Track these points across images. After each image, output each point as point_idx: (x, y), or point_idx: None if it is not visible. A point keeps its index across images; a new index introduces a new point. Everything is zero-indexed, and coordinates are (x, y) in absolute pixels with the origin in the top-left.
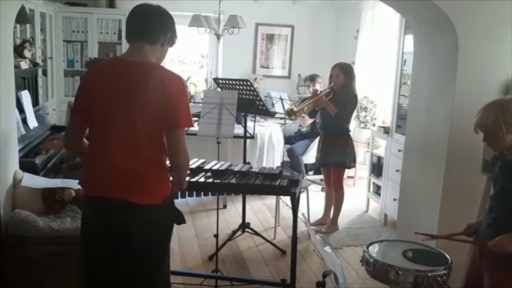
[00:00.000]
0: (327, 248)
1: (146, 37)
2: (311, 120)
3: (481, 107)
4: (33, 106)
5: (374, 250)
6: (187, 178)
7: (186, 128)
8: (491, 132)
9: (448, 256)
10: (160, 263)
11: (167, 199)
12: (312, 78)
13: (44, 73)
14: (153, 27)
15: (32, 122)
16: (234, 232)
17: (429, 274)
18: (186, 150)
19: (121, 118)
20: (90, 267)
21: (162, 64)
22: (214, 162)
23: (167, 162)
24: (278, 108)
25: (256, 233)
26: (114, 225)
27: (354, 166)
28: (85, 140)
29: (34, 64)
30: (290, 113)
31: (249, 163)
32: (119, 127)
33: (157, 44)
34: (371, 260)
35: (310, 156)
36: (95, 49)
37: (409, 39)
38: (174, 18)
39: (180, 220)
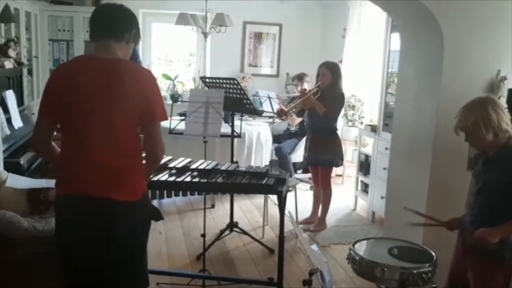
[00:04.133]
0: (314, 246)
1: (112, 34)
2: (300, 120)
3: (459, 108)
4: (18, 106)
5: (360, 248)
6: (173, 178)
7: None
8: (472, 133)
9: (433, 253)
10: (140, 259)
11: (145, 195)
12: (300, 77)
13: (30, 72)
14: (118, 25)
15: (17, 122)
16: (222, 231)
17: (415, 271)
18: (163, 142)
19: (99, 115)
20: (71, 266)
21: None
22: (200, 161)
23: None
24: (266, 107)
25: (244, 232)
26: (94, 222)
27: (341, 164)
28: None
29: (19, 63)
30: (280, 114)
31: (236, 162)
32: (97, 124)
33: (123, 42)
34: (357, 258)
35: (299, 155)
36: (81, 48)
37: (396, 37)
38: (160, 16)
39: (158, 216)
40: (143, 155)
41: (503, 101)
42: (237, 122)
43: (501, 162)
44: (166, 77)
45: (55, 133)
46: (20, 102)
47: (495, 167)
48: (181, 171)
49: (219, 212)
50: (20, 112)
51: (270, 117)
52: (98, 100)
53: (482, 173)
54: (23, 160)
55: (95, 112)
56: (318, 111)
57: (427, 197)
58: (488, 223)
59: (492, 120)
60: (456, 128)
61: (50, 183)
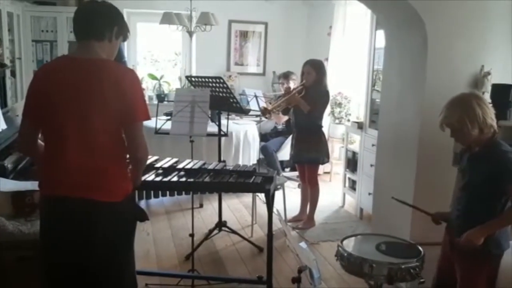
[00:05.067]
0: (302, 244)
1: (92, 34)
2: (285, 118)
3: (444, 104)
4: (2, 108)
5: (348, 244)
6: (159, 178)
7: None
8: (457, 129)
9: (420, 248)
10: (125, 261)
11: (128, 197)
12: (286, 76)
13: (13, 74)
14: (97, 24)
15: (1, 125)
16: (211, 231)
17: (402, 267)
18: (145, 143)
19: (78, 116)
20: (54, 267)
21: (130, 60)
22: (187, 161)
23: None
24: (253, 106)
25: (233, 231)
26: (77, 223)
27: (327, 162)
28: (39, 141)
29: (2, 65)
30: (264, 112)
31: (223, 161)
32: (76, 126)
33: (105, 40)
34: (345, 255)
35: (285, 153)
36: (65, 48)
37: (381, 35)
38: (145, 16)
39: (143, 217)
40: (127, 156)
41: (487, 97)
42: (224, 121)
43: (486, 158)
44: (152, 77)
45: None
46: (3, 104)
47: (480, 163)
48: (168, 171)
49: (208, 212)
50: (4, 114)
51: (257, 115)
52: (75, 101)
53: (467, 169)
54: (7, 163)
55: (72, 113)
56: (302, 109)
57: (413, 193)
58: (473, 218)
59: (477, 115)
60: (442, 124)
61: (36, 185)
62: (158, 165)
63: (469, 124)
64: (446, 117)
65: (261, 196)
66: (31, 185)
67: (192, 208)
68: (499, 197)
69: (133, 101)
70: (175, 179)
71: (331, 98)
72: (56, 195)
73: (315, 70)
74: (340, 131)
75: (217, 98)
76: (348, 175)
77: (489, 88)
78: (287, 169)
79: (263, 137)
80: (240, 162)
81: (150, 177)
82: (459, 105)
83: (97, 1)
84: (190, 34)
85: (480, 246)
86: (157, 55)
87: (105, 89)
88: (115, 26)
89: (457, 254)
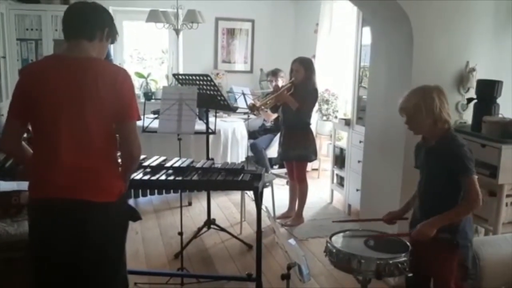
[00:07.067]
0: (291, 241)
1: (83, 33)
2: (275, 115)
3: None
4: None
5: (337, 240)
6: (147, 177)
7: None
8: (412, 115)
9: (408, 243)
10: (118, 261)
11: (122, 196)
12: (274, 73)
13: None
14: (89, 23)
15: None
16: (200, 229)
17: (390, 262)
18: (139, 141)
19: (72, 116)
20: (46, 269)
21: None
22: (175, 159)
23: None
24: (241, 103)
25: (222, 229)
26: (71, 225)
27: (315, 159)
28: (23, 143)
29: None
30: (252, 109)
31: (212, 159)
32: (70, 125)
33: (95, 40)
34: (334, 251)
35: (274, 150)
36: (50, 47)
37: (367, 31)
38: (131, 14)
39: (136, 216)
40: (118, 154)
41: (472, 92)
42: (211, 119)
43: (443, 152)
44: (139, 75)
45: (25, 134)
46: None
47: (437, 156)
48: (156, 169)
49: (196, 210)
50: None
51: (245, 113)
52: (69, 100)
53: (426, 162)
54: None
55: (66, 113)
56: (291, 106)
57: (401, 188)
58: (438, 212)
59: (435, 106)
60: (400, 109)
61: (22, 185)
62: (146, 163)
63: (424, 112)
64: (405, 101)
65: (250, 193)
66: (17, 185)
67: (181, 207)
68: (458, 192)
69: (128, 100)
70: (163, 177)
71: (318, 95)
72: (49, 197)
73: (304, 68)
74: (327, 128)
75: (205, 96)
76: (336, 171)
77: (474, 84)
78: (276, 166)
79: (252, 134)
80: (229, 160)
81: (138, 175)
82: (419, 92)
83: (88, 2)
84: (177, 32)
85: (447, 235)
86: (144, 53)
87: (100, 88)
88: (106, 28)
89: (426, 249)
